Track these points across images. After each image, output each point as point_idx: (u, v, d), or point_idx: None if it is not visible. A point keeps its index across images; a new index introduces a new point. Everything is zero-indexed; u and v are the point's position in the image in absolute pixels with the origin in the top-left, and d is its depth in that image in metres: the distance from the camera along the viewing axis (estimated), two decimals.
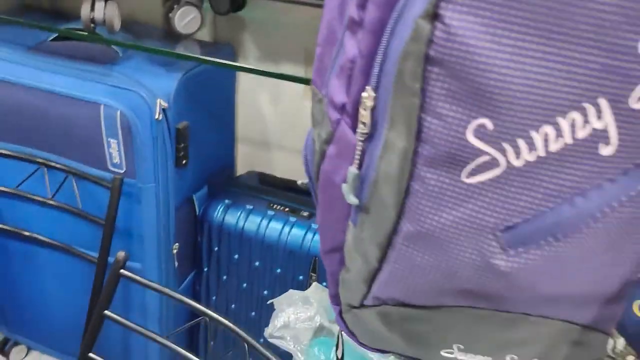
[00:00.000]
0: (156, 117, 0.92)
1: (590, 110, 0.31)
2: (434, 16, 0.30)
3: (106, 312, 0.73)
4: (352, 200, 0.37)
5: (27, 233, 0.98)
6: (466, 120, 0.32)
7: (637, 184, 0.33)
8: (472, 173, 0.33)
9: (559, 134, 0.31)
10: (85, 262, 1.01)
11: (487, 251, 0.35)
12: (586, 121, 0.31)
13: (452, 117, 0.32)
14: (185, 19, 0.91)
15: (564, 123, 0.31)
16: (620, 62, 0.29)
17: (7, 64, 0.95)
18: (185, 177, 1.04)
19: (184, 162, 1.01)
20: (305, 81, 1.05)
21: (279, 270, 1.02)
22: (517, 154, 0.32)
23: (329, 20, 0.40)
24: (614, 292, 0.38)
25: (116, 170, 0.95)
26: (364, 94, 0.35)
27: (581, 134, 0.31)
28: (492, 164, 0.33)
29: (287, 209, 1.03)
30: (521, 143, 0.32)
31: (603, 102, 0.30)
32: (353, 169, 0.36)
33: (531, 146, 0.32)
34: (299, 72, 1.08)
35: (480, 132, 0.32)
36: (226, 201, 1.06)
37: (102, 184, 0.94)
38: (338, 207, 0.40)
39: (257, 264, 1.04)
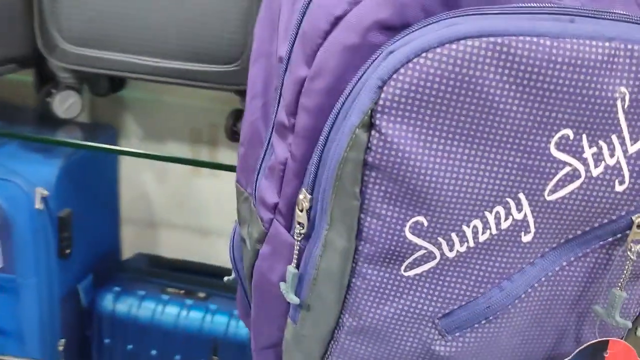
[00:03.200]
0: (36, 206, 0.88)
1: (512, 204, 0.34)
2: (370, 126, 0.32)
3: None
4: (293, 299, 0.37)
5: None
6: (403, 219, 0.34)
7: (553, 265, 0.37)
8: (410, 266, 0.35)
9: (486, 226, 0.34)
10: None
11: (427, 339, 0.37)
12: (508, 213, 0.34)
13: (390, 216, 0.34)
14: (65, 104, 0.89)
15: (490, 216, 0.34)
16: (535, 161, 0.33)
17: None
18: (69, 267, 0.98)
19: (67, 251, 0.96)
20: (191, 162, 1.05)
21: (178, 357, 0.99)
22: (451, 246, 0.35)
23: (251, 122, 0.41)
24: None
25: None
26: (300, 196, 0.36)
27: (505, 225, 0.34)
28: (429, 257, 0.35)
29: (182, 292, 1.00)
30: (454, 236, 0.34)
31: (522, 197, 0.34)
32: (292, 269, 0.37)
33: (462, 239, 0.35)
34: (185, 151, 1.08)
35: (417, 229, 0.34)
36: (115, 289, 1.02)
37: None
38: (274, 305, 0.40)
39: (154, 352, 1.00)
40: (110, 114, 1.09)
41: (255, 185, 0.41)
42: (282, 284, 0.38)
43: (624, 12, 0.33)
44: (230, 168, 0.97)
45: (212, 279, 1.05)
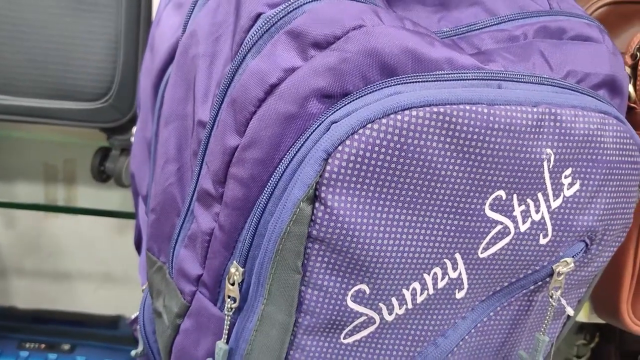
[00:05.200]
0: None
1: (448, 264, 0.34)
2: (314, 198, 0.31)
3: None
4: None
5: None
6: (345, 288, 0.33)
7: (482, 316, 0.38)
8: (350, 333, 0.34)
9: (424, 287, 0.34)
10: None
11: None
12: (445, 273, 0.35)
13: (332, 287, 0.33)
14: None
15: (428, 278, 0.34)
16: (471, 222, 0.34)
17: None
18: None
19: None
20: (43, 207, 0.96)
21: None
22: (390, 310, 0.34)
23: (165, 188, 0.38)
24: None
25: None
26: (231, 269, 0.33)
27: (441, 284, 0.35)
28: (368, 322, 0.34)
29: (43, 346, 0.92)
30: (394, 300, 0.34)
31: (458, 256, 0.34)
32: (222, 344, 0.35)
33: (402, 302, 0.34)
34: (37, 191, 0.99)
35: (359, 297, 0.33)
36: None
37: None
38: None
39: None
40: None
41: (172, 255, 0.38)
42: None
43: (543, 75, 0.34)
44: (91, 212, 0.90)
45: (75, 327, 0.97)
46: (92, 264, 1.05)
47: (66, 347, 0.92)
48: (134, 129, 0.70)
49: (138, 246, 0.60)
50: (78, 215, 1.01)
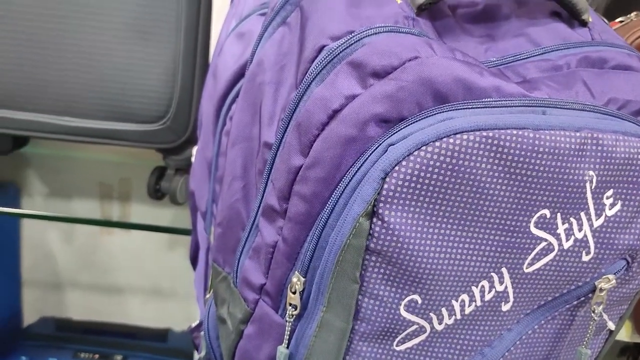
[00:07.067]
0: None
1: (495, 278, 0.37)
2: (372, 214, 0.33)
3: None
4: None
5: None
6: (399, 298, 0.35)
7: (526, 329, 0.40)
8: (402, 341, 0.37)
9: (472, 299, 0.37)
10: None
11: None
12: (492, 286, 0.37)
13: (387, 296, 0.35)
14: None
15: (476, 290, 0.37)
16: (517, 238, 0.36)
17: None
18: None
19: None
20: (99, 222, 1.01)
21: None
22: (440, 320, 0.37)
23: (231, 204, 0.41)
24: None
25: None
26: (293, 279, 0.36)
27: (488, 297, 0.37)
28: (420, 331, 0.37)
29: (96, 356, 0.96)
30: (444, 311, 0.37)
31: (504, 271, 0.37)
32: (283, 349, 0.37)
33: (451, 312, 0.37)
34: (94, 208, 1.04)
35: (411, 307, 0.36)
36: (23, 358, 0.95)
37: None
38: None
39: None
40: (12, 172, 1.03)
41: (237, 266, 0.41)
42: None
43: (585, 102, 0.37)
44: (145, 227, 0.94)
45: (127, 339, 1.01)
46: (142, 278, 1.09)
47: (118, 357, 0.96)
48: (194, 150, 0.75)
49: (194, 260, 0.63)
50: (131, 232, 1.06)
